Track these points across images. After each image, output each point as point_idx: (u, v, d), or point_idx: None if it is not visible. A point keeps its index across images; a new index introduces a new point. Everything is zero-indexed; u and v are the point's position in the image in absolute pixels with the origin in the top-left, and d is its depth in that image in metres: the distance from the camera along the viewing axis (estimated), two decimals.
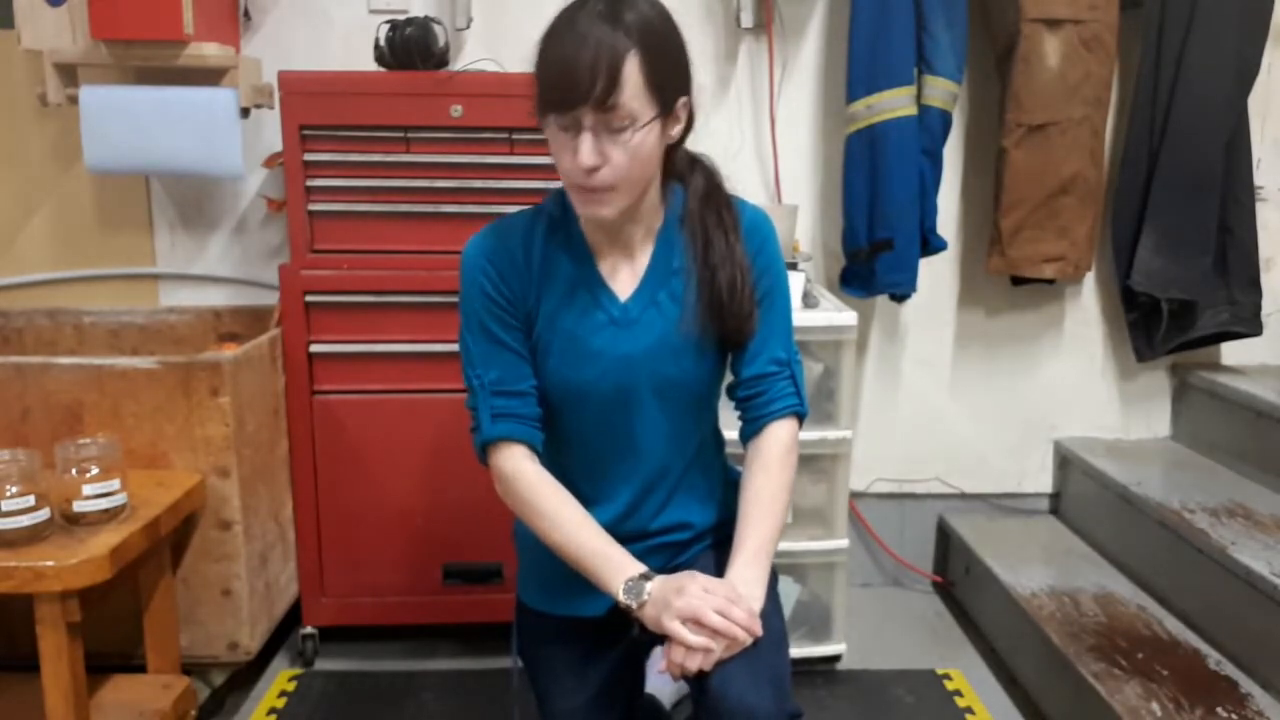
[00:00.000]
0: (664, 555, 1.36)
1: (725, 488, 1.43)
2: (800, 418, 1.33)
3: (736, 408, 1.36)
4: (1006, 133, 2.24)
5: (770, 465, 1.30)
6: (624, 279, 1.30)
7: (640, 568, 1.22)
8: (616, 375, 1.28)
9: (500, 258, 1.28)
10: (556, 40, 1.16)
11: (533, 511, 1.27)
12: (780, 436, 1.31)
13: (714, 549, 1.38)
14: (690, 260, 1.29)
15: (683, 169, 1.32)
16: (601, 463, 1.33)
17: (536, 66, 1.17)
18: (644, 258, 1.30)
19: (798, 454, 1.33)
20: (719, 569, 1.27)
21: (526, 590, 1.44)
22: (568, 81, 1.13)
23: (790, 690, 1.21)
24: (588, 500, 1.32)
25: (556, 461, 1.36)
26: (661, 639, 1.20)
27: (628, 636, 1.38)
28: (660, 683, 1.68)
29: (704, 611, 1.14)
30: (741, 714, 1.13)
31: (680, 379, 1.30)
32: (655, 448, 1.33)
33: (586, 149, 1.15)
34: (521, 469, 1.28)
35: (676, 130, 1.24)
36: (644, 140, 1.17)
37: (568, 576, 1.33)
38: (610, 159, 1.16)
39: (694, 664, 1.15)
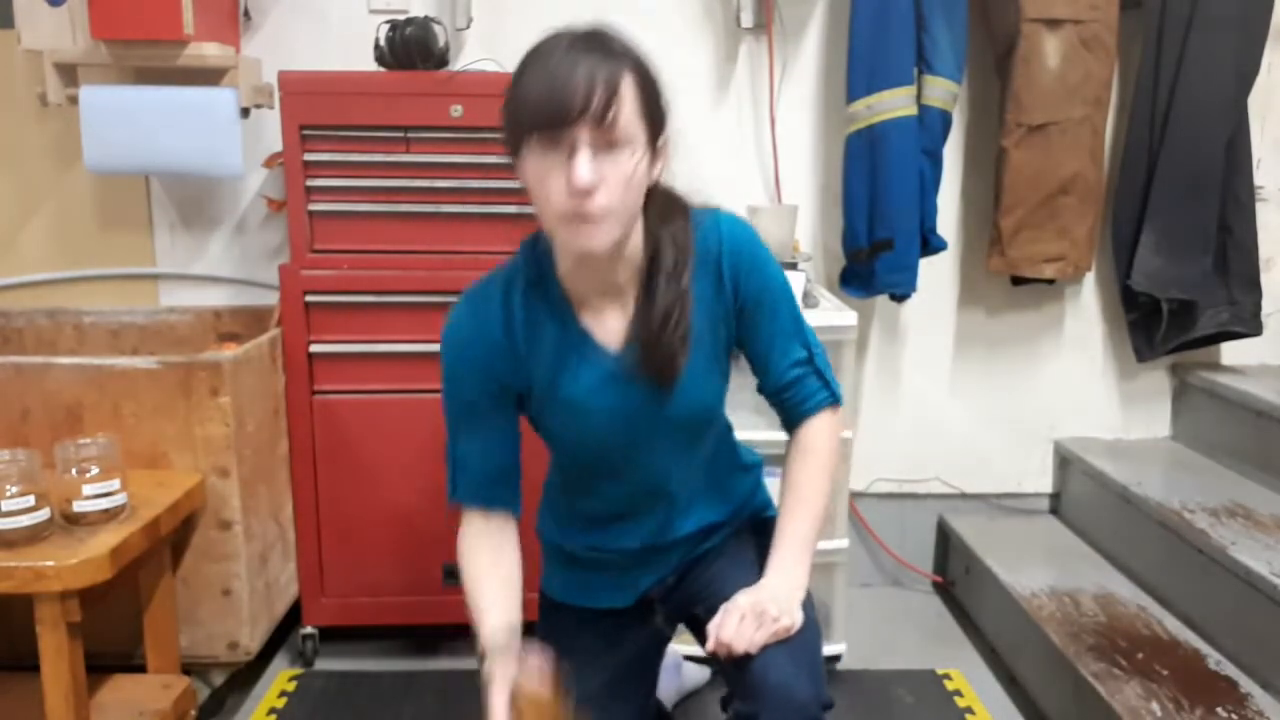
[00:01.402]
0: (686, 547, 1.40)
1: (738, 472, 1.45)
2: (836, 405, 1.33)
3: (771, 405, 1.35)
4: (1006, 133, 2.24)
5: (807, 453, 1.31)
6: (613, 329, 1.25)
7: (495, 642, 1.22)
8: (622, 428, 1.28)
9: (480, 347, 1.25)
10: (541, 64, 1.08)
11: (463, 574, 1.31)
12: (816, 427, 1.31)
13: (742, 534, 1.42)
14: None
15: (658, 212, 1.23)
16: (619, 501, 1.36)
17: (516, 91, 1.09)
18: (631, 303, 1.25)
19: (839, 439, 1.34)
20: (759, 552, 1.32)
21: (550, 584, 1.48)
22: (562, 97, 1.05)
23: (824, 678, 1.24)
24: (612, 533, 1.37)
25: (574, 504, 1.39)
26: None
27: (649, 626, 1.43)
28: (662, 683, 1.68)
29: (738, 645, 1.19)
30: (781, 697, 1.16)
31: (686, 417, 1.29)
32: (671, 475, 1.34)
33: (585, 165, 1.06)
34: (465, 542, 1.31)
35: (659, 169, 1.18)
36: (637, 168, 1.11)
37: (590, 572, 1.40)
38: (607, 180, 1.08)
39: (740, 646, 1.18)
